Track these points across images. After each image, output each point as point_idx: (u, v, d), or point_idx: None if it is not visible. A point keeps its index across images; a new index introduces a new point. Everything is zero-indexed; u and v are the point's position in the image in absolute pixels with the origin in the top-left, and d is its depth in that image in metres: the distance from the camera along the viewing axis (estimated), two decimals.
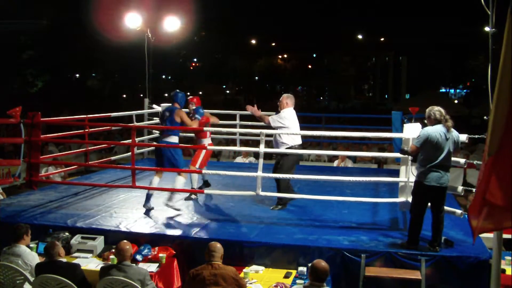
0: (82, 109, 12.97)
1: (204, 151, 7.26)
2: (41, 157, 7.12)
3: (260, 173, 6.25)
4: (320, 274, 4.25)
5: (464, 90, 45.76)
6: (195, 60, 41.58)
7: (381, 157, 12.26)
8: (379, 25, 37.65)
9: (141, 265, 5.15)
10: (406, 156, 5.76)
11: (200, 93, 42.65)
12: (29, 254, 5.01)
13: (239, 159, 11.61)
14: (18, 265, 4.87)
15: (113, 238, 5.67)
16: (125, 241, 4.76)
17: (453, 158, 5.44)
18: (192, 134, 8.38)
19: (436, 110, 5.26)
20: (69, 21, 26.85)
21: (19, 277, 4.81)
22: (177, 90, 7.07)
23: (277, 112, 6.92)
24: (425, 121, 5.36)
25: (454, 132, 5.25)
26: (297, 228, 6.03)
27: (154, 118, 10.27)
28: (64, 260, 4.76)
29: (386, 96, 48.02)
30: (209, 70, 38.47)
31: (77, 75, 33.87)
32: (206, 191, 7.01)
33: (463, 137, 5.59)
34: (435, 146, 5.12)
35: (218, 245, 4.53)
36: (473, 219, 3.20)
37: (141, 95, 18.17)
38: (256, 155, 9.44)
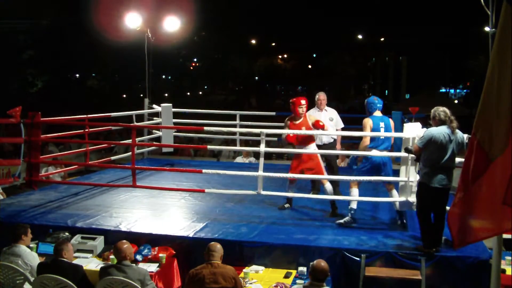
0: (82, 109, 12.96)
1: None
2: (41, 157, 7.12)
3: (261, 173, 6.26)
4: (320, 274, 4.26)
5: (464, 90, 45.70)
6: (195, 60, 41.53)
7: None
8: (379, 25, 37.59)
9: (141, 265, 5.15)
10: (407, 155, 5.76)
11: (200, 93, 42.67)
12: (29, 254, 5.01)
13: (239, 159, 11.60)
14: (18, 265, 4.87)
15: (113, 238, 5.66)
16: (123, 240, 4.76)
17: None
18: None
19: (441, 110, 5.24)
20: (69, 21, 26.84)
21: (19, 277, 4.81)
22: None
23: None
24: (430, 121, 5.35)
25: (459, 133, 5.24)
26: (297, 228, 6.03)
27: (154, 118, 10.28)
28: (67, 260, 4.75)
29: (386, 96, 47.93)
30: (209, 70, 38.44)
31: (77, 75, 33.85)
32: (207, 190, 7.01)
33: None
34: (439, 147, 5.10)
35: (218, 245, 4.53)
36: (473, 220, 3.16)
37: (141, 95, 18.15)
38: (256, 155, 9.43)
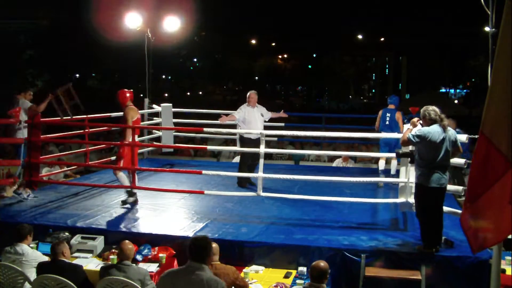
0: (82, 109, 12.92)
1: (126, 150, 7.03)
2: (41, 157, 7.12)
3: (261, 174, 6.25)
4: (319, 274, 4.25)
5: (464, 90, 45.73)
6: (195, 60, 41.55)
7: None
8: (379, 25, 37.60)
9: (141, 265, 5.15)
10: (406, 157, 5.75)
11: (200, 93, 42.71)
12: (32, 253, 5.03)
13: (237, 159, 11.58)
14: (22, 263, 4.88)
15: (113, 238, 5.68)
16: (127, 241, 4.76)
17: (454, 159, 5.43)
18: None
19: (431, 109, 5.22)
20: (69, 21, 26.85)
21: (19, 277, 4.82)
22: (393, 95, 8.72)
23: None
24: (420, 121, 5.33)
25: (451, 131, 5.22)
26: (297, 228, 6.03)
27: (154, 118, 10.27)
28: (67, 260, 4.76)
29: (386, 96, 47.86)
30: (209, 70, 38.46)
31: (77, 75, 33.87)
32: (206, 191, 7.00)
33: (463, 137, 5.58)
34: (433, 146, 5.08)
35: (214, 244, 4.52)
36: (489, 224, 3.08)
37: (141, 95, 18.14)
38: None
